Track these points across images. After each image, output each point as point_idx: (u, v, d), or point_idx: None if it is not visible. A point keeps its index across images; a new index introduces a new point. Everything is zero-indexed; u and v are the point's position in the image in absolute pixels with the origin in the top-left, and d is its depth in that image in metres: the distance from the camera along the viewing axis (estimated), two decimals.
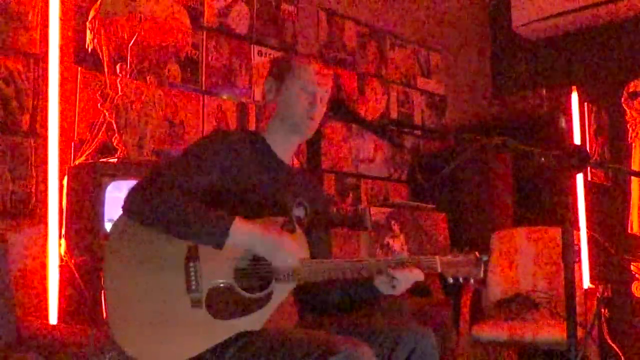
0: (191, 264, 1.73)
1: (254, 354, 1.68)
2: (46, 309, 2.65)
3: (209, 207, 1.73)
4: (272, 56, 3.89)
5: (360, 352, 1.61)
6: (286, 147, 2.02)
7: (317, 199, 2.10)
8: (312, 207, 2.04)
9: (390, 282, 1.85)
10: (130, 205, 1.74)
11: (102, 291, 1.73)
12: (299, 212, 1.99)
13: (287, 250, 1.75)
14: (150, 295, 1.71)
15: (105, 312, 1.71)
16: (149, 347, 1.69)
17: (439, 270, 1.91)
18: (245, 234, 1.71)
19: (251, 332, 1.73)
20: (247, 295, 1.75)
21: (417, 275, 1.85)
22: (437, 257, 1.91)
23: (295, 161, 2.12)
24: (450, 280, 1.91)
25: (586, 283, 4.29)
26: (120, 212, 1.77)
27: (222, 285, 1.74)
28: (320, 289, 1.99)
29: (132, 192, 1.75)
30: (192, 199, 1.74)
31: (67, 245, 2.68)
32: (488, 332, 3.48)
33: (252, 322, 1.74)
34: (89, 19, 2.80)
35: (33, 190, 2.80)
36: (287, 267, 1.75)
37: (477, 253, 1.95)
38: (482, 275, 1.93)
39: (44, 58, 2.85)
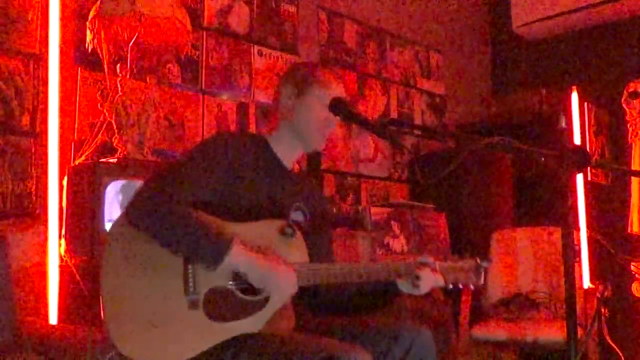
0: (189, 266, 1.72)
1: (251, 357, 1.68)
2: (46, 309, 2.65)
3: (211, 222, 1.73)
4: (272, 56, 3.89)
5: (358, 358, 1.61)
6: (290, 153, 2.01)
7: (317, 203, 2.10)
8: (311, 211, 2.03)
9: (414, 283, 1.88)
10: (132, 215, 1.73)
11: (100, 291, 1.72)
12: (297, 216, 1.99)
13: (281, 282, 1.73)
14: (148, 297, 1.71)
15: (103, 312, 1.71)
16: (145, 349, 1.68)
17: None
18: (240, 261, 1.70)
19: (249, 335, 1.73)
20: (245, 297, 1.75)
21: (439, 280, 1.89)
22: (436, 262, 1.91)
23: (296, 165, 2.11)
24: (450, 286, 1.91)
25: (586, 283, 4.29)
26: (121, 212, 1.77)
27: (220, 287, 1.74)
28: (336, 290, 2.00)
29: (136, 201, 1.74)
30: (193, 211, 1.73)
31: (67, 245, 2.68)
32: (488, 332, 3.47)
33: (250, 325, 1.74)
34: (89, 19, 2.80)
35: (33, 190, 2.80)
36: (281, 297, 1.75)
37: (477, 259, 1.95)
38: (482, 281, 1.94)
39: (44, 58, 2.85)
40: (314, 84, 1.95)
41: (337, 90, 1.96)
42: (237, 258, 1.70)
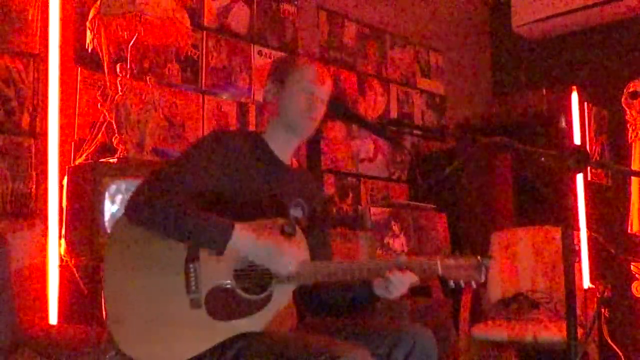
0: (191, 265, 1.73)
1: (253, 356, 1.68)
2: (46, 309, 2.65)
3: (209, 212, 1.73)
4: (272, 56, 3.89)
5: (360, 357, 1.61)
6: (285, 148, 2.02)
7: (316, 199, 2.10)
8: (311, 208, 2.04)
9: (385, 285, 1.85)
10: (132, 211, 1.74)
11: (102, 291, 1.73)
12: (296, 212, 1.99)
13: (286, 257, 1.75)
14: (150, 296, 1.71)
15: (105, 312, 1.71)
16: (148, 348, 1.69)
17: (440, 273, 1.91)
18: (244, 241, 1.72)
19: (251, 334, 1.73)
20: (247, 296, 1.75)
21: (411, 277, 1.84)
22: (438, 260, 1.91)
23: (294, 161, 2.12)
24: (452, 284, 1.91)
25: (586, 283, 4.29)
26: (122, 213, 1.78)
27: (221, 286, 1.74)
28: (320, 291, 2.00)
29: (134, 197, 1.76)
30: (192, 204, 1.74)
31: (67, 245, 2.68)
32: (488, 332, 3.47)
33: (252, 323, 1.74)
34: (89, 19, 2.80)
35: (33, 190, 2.80)
36: (287, 273, 1.76)
37: (479, 257, 1.94)
38: (483, 279, 1.93)
39: (44, 58, 2.85)
40: (291, 72, 1.98)
41: (315, 73, 1.98)
42: (241, 239, 1.71)
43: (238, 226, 1.72)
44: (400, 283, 1.83)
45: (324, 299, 2.01)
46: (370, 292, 1.90)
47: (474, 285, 1.94)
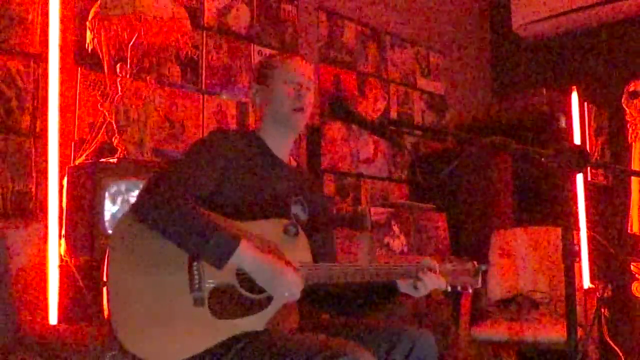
0: (194, 263, 1.73)
1: (256, 355, 1.68)
2: (46, 309, 2.65)
3: (216, 222, 1.73)
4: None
5: (361, 357, 1.61)
6: (282, 145, 2.03)
7: (316, 198, 2.11)
8: (311, 205, 2.04)
9: (414, 284, 1.89)
10: (139, 211, 1.74)
11: (104, 288, 1.72)
12: (297, 209, 1.99)
13: (286, 284, 1.73)
14: (153, 293, 1.71)
15: (107, 309, 1.71)
16: (151, 345, 1.69)
17: None
18: (247, 261, 1.71)
19: (253, 333, 1.73)
20: (249, 295, 1.75)
21: (441, 282, 1.90)
22: (436, 265, 1.92)
23: (292, 160, 2.12)
24: (448, 289, 1.93)
25: (586, 283, 4.29)
26: (125, 210, 1.78)
27: (225, 284, 1.74)
28: (337, 289, 2.00)
29: (142, 197, 1.76)
30: (200, 209, 1.74)
31: (67, 245, 2.68)
32: (488, 332, 3.48)
33: (255, 322, 1.74)
34: (89, 19, 2.80)
35: (33, 190, 2.80)
36: (284, 298, 1.75)
37: (475, 263, 1.97)
38: (480, 285, 1.97)
39: (44, 58, 2.86)
40: (272, 69, 2.01)
41: (297, 64, 2.01)
42: (243, 257, 1.70)
43: (243, 244, 1.70)
44: (432, 283, 1.89)
45: (341, 299, 2.02)
46: (394, 290, 1.92)
47: (470, 290, 1.97)
